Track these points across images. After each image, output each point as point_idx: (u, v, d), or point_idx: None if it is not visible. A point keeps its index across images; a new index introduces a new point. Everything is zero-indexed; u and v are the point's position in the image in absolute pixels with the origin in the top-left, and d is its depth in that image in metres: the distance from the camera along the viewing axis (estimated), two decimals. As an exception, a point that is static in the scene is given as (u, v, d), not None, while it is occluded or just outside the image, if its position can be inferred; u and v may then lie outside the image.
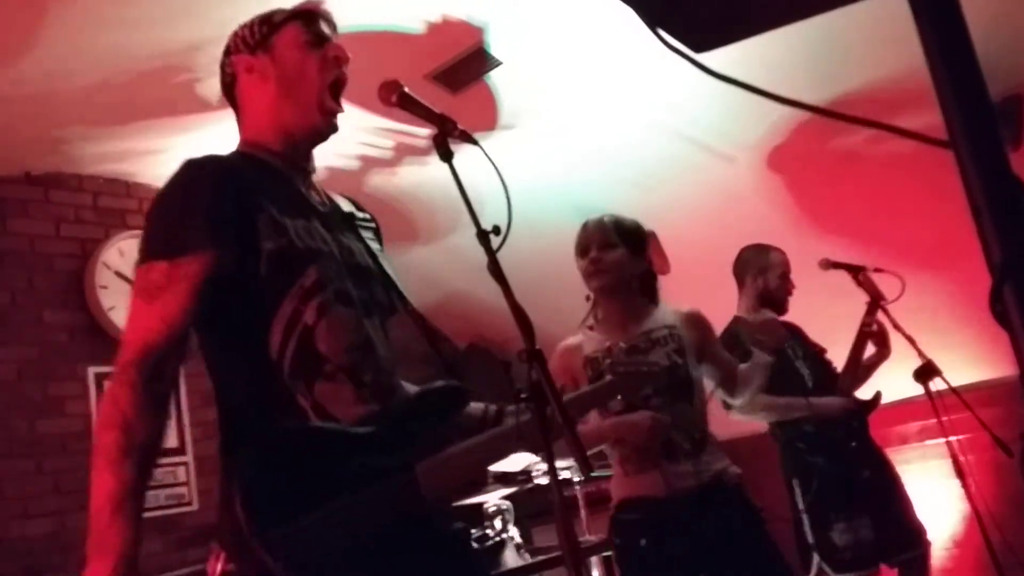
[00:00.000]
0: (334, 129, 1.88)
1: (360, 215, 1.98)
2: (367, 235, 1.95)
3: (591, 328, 2.87)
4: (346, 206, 1.98)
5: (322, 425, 1.59)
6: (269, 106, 1.81)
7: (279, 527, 1.44)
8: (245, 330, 1.63)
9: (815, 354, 3.82)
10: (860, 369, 3.75)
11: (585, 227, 2.89)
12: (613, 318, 2.84)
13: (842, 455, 3.53)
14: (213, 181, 1.64)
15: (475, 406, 1.94)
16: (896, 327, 3.68)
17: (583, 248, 2.86)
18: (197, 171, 1.66)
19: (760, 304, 3.71)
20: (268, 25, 1.84)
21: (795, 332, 3.86)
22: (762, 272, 3.75)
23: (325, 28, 1.87)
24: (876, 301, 3.70)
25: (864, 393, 3.76)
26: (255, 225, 1.62)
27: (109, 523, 1.44)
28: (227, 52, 1.87)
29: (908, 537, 3.51)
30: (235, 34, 1.88)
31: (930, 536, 3.58)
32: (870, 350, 3.79)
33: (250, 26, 1.86)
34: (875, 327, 3.69)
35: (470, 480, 1.88)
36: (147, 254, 1.59)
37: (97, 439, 1.47)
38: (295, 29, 1.84)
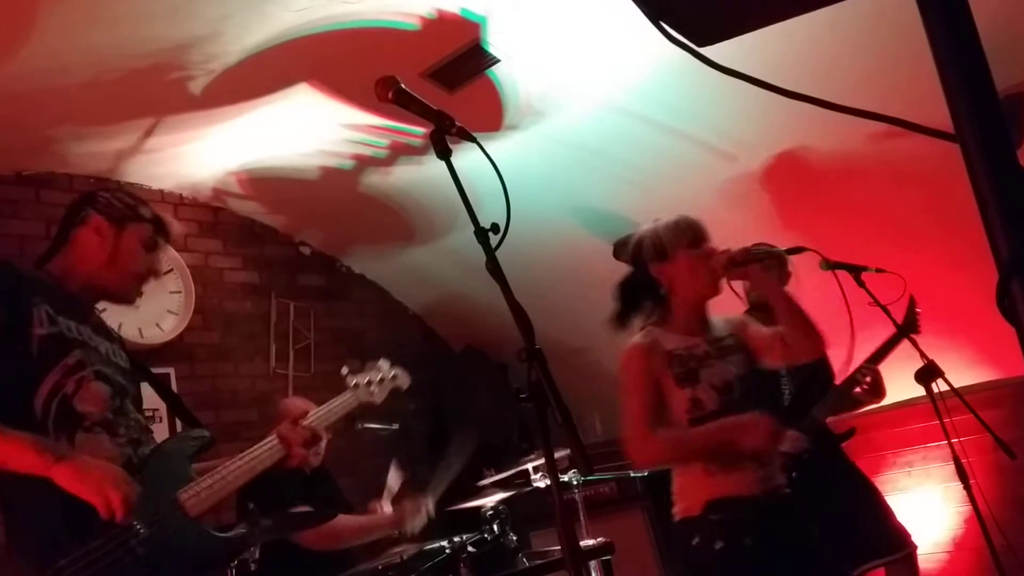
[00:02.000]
0: (129, 302, 2.39)
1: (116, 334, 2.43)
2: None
3: (656, 325, 2.79)
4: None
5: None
6: (94, 264, 2.25)
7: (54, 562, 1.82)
8: (12, 396, 1.96)
9: (810, 368, 3.77)
10: (845, 402, 3.75)
11: (687, 219, 2.79)
12: (691, 319, 2.78)
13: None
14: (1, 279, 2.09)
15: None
16: (896, 326, 3.65)
17: (696, 238, 2.75)
18: None
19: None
20: (132, 213, 2.32)
21: None
22: None
23: (161, 241, 2.38)
24: (904, 334, 3.65)
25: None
26: (30, 315, 2.02)
27: None
28: (89, 202, 2.30)
29: (886, 542, 3.57)
30: (103, 196, 2.33)
31: (932, 538, 3.58)
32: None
33: (120, 200, 2.34)
34: (868, 380, 3.67)
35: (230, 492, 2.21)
36: None
37: None
38: (145, 231, 2.33)
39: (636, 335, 2.80)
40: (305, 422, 2.40)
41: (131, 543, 1.90)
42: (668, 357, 2.70)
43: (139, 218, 2.33)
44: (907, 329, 3.66)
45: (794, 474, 3.54)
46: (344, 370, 2.73)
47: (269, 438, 2.30)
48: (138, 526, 1.92)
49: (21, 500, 1.91)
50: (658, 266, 2.76)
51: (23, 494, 1.89)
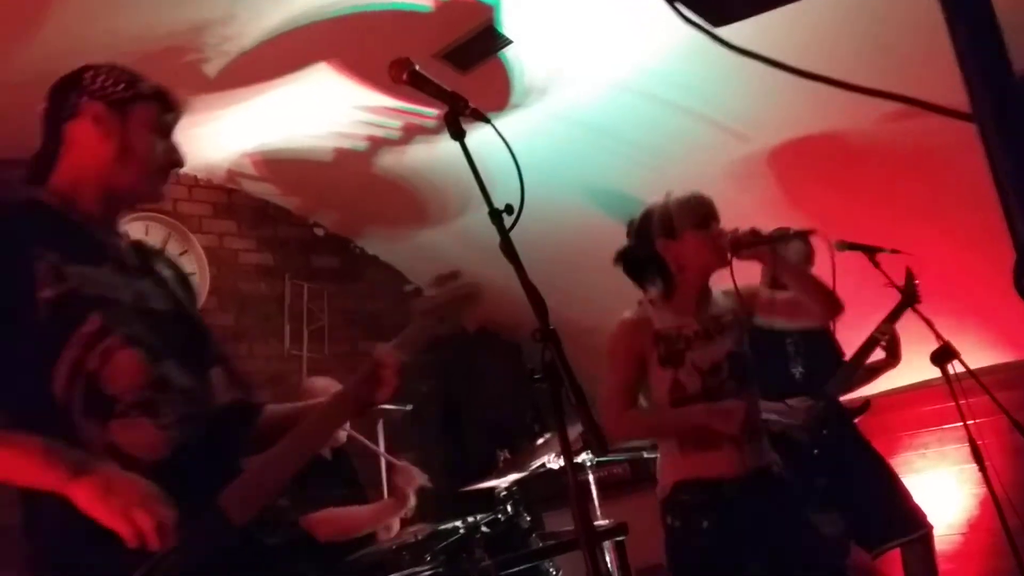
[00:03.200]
0: (157, 200, 1.92)
1: (165, 257, 2.00)
2: (167, 273, 1.93)
3: (652, 303, 2.79)
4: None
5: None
6: (100, 162, 1.78)
7: None
8: (24, 385, 1.58)
9: (821, 343, 3.77)
10: (863, 371, 3.74)
11: (698, 196, 2.76)
12: (688, 296, 2.77)
13: (799, 463, 3.47)
14: None
15: (273, 410, 1.94)
16: (913, 309, 3.63)
17: (706, 218, 2.73)
18: None
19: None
20: (132, 91, 1.83)
21: None
22: None
23: (172, 122, 1.90)
24: (908, 302, 3.66)
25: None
26: (30, 273, 1.59)
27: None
28: (73, 86, 1.81)
29: (902, 523, 3.58)
30: (91, 75, 1.82)
31: (946, 520, 3.58)
32: (878, 354, 3.77)
33: (113, 78, 1.82)
34: (887, 337, 3.66)
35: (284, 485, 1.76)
36: None
37: None
38: (152, 110, 1.85)
39: (628, 310, 2.81)
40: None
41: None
42: (655, 336, 2.70)
43: (141, 96, 1.84)
44: (909, 300, 3.66)
45: (815, 451, 3.55)
46: (408, 287, 2.10)
47: (320, 407, 1.87)
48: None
49: (37, 514, 1.57)
50: (664, 243, 2.75)
51: (38, 508, 1.55)
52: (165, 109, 1.87)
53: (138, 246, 1.92)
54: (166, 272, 1.92)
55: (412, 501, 3.55)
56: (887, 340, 3.65)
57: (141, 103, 1.83)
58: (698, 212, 2.73)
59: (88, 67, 1.83)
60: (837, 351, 3.82)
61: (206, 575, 1.48)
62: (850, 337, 3.77)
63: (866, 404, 3.81)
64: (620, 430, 2.77)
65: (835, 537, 3.49)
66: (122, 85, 1.82)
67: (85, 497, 1.43)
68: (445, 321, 2.03)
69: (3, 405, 1.60)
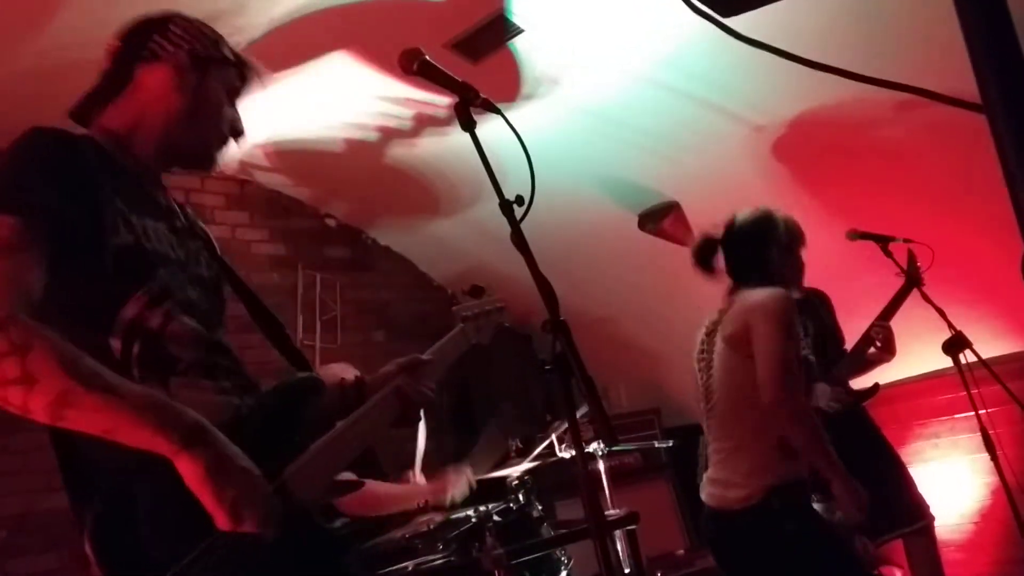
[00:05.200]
0: (211, 168, 1.82)
1: (199, 225, 1.89)
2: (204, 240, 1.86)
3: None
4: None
5: None
6: (169, 115, 1.69)
7: None
8: (86, 332, 1.42)
9: (828, 330, 3.77)
10: (860, 363, 3.74)
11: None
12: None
13: None
14: (64, 156, 1.50)
15: (332, 390, 1.87)
16: (925, 299, 3.62)
17: (802, 240, 3.01)
18: (52, 140, 1.51)
19: None
20: (216, 50, 1.76)
21: (820, 302, 3.83)
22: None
23: (242, 92, 1.84)
24: (911, 284, 3.65)
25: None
26: (101, 218, 1.48)
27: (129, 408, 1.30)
28: (159, 30, 1.72)
29: (903, 514, 3.57)
30: (181, 23, 1.74)
31: (958, 510, 3.57)
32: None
33: (201, 33, 1.76)
34: (881, 335, 3.65)
35: (342, 470, 1.65)
36: None
37: (35, 384, 1.27)
38: (230, 75, 1.79)
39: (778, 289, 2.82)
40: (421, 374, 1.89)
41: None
42: None
43: (224, 58, 1.77)
44: (912, 283, 3.66)
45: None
46: (455, 308, 2.16)
47: (379, 395, 1.81)
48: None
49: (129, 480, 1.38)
50: (779, 253, 2.95)
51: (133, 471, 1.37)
52: (240, 77, 1.82)
53: (182, 207, 1.83)
54: (204, 238, 1.85)
55: (452, 496, 3.55)
56: (881, 337, 3.65)
57: (222, 65, 1.77)
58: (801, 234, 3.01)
59: (178, 15, 1.76)
60: (841, 341, 3.83)
61: (268, 554, 1.37)
62: (861, 328, 3.77)
63: (875, 388, 3.79)
64: (801, 412, 2.67)
65: (842, 525, 3.49)
66: (208, 42, 1.75)
67: (193, 474, 1.29)
68: (481, 332, 2.08)
69: None
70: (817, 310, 3.79)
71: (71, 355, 1.29)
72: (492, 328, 2.14)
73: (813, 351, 3.68)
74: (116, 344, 1.46)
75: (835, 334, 3.83)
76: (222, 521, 1.30)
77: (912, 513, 3.58)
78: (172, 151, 1.72)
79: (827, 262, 3.76)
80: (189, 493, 1.29)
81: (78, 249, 1.44)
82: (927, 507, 3.61)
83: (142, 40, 1.70)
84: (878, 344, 3.66)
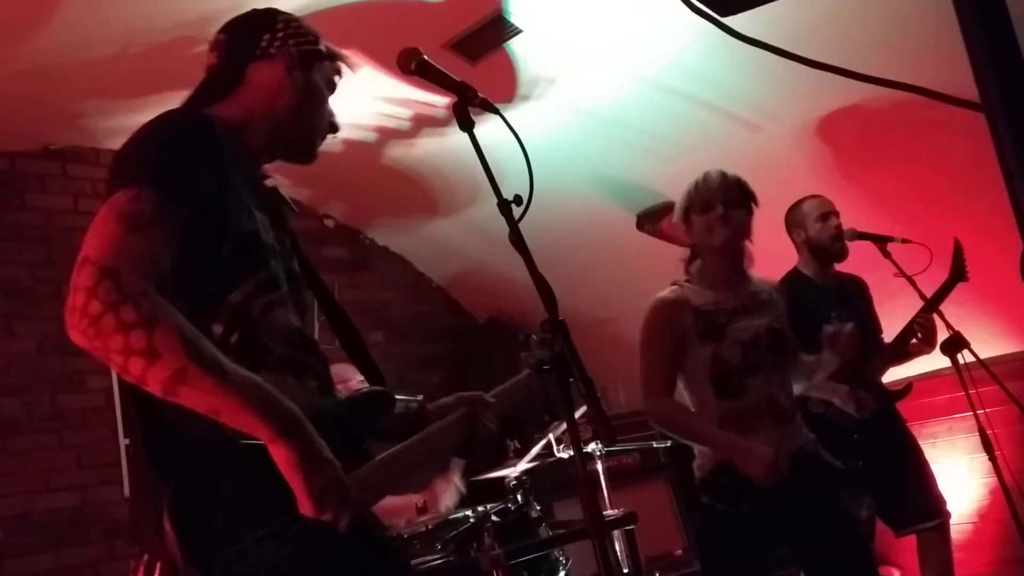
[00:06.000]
0: (310, 160, 1.89)
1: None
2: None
3: (688, 282, 2.85)
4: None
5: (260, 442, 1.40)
6: (281, 109, 1.76)
7: (218, 552, 1.38)
8: (190, 312, 1.42)
9: (864, 319, 3.73)
10: (899, 355, 3.73)
11: (707, 181, 2.85)
12: (720, 274, 2.83)
13: (838, 446, 3.44)
14: (205, 139, 1.56)
15: (398, 406, 1.90)
16: (923, 298, 3.62)
17: (707, 203, 2.81)
18: (193, 122, 1.59)
19: (814, 256, 3.75)
20: (318, 47, 1.84)
21: (857, 289, 3.85)
22: (799, 225, 3.79)
23: (336, 87, 1.90)
24: (956, 279, 3.63)
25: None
26: (229, 203, 1.53)
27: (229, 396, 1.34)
28: (267, 28, 1.79)
29: (923, 510, 3.56)
30: (287, 21, 1.81)
31: (957, 510, 3.57)
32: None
33: (304, 30, 1.83)
34: (925, 329, 3.62)
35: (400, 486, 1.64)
36: (132, 178, 1.46)
37: (157, 358, 1.30)
38: (331, 70, 1.87)
39: (663, 290, 2.85)
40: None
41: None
42: (695, 313, 2.74)
43: (325, 54, 1.85)
44: (957, 277, 3.63)
45: (855, 436, 3.53)
46: (524, 354, 2.04)
47: (450, 418, 1.84)
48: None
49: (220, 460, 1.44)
50: (681, 226, 2.90)
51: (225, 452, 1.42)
52: (337, 71, 1.89)
53: (284, 200, 1.88)
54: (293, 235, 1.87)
55: (445, 503, 3.55)
56: (924, 330, 3.62)
57: (325, 60, 1.85)
58: (702, 196, 2.83)
59: (280, 12, 1.84)
60: (879, 330, 3.82)
61: (336, 544, 1.43)
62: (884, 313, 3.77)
63: (908, 387, 3.78)
64: (656, 415, 2.81)
65: (867, 520, 3.50)
66: (312, 38, 1.83)
67: (287, 458, 1.34)
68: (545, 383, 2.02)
69: None
70: (852, 299, 3.76)
71: (192, 336, 1.34)
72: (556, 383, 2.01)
73: None
74: (218, 329, 1.51)
75: (872, 323, 3.80)
76: (306, 507, 1.36)
77: (932, 509, 3.56)
78: (281, 144, 1.80)
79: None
80: (268, 478, 1.35)
81: (206, 231, 1.48)
82: (945, 503, 3.60)
83: (254, 39, 1.78)
84: (919, 336, 3.64)
